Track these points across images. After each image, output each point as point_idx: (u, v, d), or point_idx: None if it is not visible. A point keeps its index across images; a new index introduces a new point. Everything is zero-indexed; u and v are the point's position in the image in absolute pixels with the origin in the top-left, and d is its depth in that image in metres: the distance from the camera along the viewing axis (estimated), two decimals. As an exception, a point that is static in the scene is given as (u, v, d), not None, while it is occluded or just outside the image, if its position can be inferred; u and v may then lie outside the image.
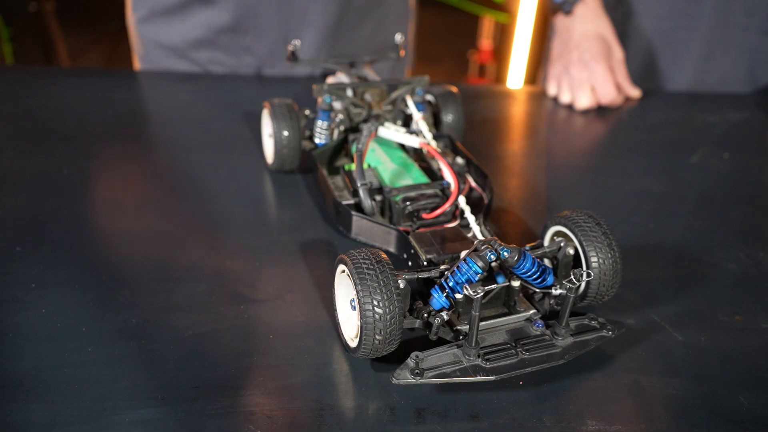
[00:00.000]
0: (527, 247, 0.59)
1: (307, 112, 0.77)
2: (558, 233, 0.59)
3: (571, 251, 0.57)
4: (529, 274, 0.53)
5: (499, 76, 2.43)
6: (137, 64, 1.08)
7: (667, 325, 0.59)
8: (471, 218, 0.62)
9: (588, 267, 0.56)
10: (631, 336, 0.57)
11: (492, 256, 0.51)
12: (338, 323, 0.55)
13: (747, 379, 0.54)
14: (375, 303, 0.48)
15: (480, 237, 0.61)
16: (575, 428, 0.49)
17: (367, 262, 0.50)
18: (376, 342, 0.49)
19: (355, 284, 0.49)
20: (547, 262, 0.58)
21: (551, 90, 1.04)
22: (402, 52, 0.87)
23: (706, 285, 0.65)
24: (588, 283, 0.56)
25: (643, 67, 1.14)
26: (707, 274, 0.66)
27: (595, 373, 0.54)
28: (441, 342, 0.52)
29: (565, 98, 1.01)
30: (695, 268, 0.67)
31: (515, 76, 2.19)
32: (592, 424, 0.49)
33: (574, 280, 0.51)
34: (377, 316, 0.48)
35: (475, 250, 0.53)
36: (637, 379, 0.53)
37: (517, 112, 1.05)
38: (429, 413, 0.49)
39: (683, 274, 0.66)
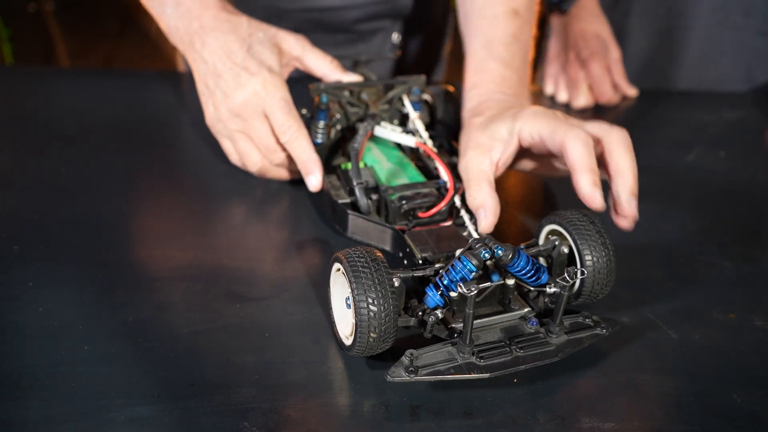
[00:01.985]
0: (522, 245, 0.59)
1: (304, 111, 0.78)
2: (553, 232, 0.60)
3: (566, 250, 0.57)
4: (523, 272, 0.53)
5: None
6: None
7: (662, 323, 0.59)
8: (466, 217, 0.63)
9: (582, 265, 0.56)
10: (625, 334, 0.58)
11: (486, 255, 0.52)
12: (333, 321, 0.55)
13: (741, 377, 0.54)
14: (370, 301, 0.49)
15: (475, 236, 0.61)
16: (569, 425, 0.49)
17: (362, 260, 0.50)
18: (371, 340, 0.49)
19: (350, 282, 0.49)
20: (541, 260, 0.58)
21: (548, 89, 1.04)
22: (398, 52, 0.87)
23: (701, 283, 0.65)
24: (582, 281, 0.56)
25: (640, 67, 1.15)
26: (702, 273, 0.67)
27: (589, 371, 0.54)
28: (436, 340, 0.52)
29: (562, 97, 1.01)
30: (690, 267, 0.67)
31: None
32: (586, 422, 0.49)
33: (567, 278, 0.51)
34: (372, 314, 0.49)
35: (470, 248, 0.53)
36: (631, 377, 0.54)
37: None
38: (423, 410, 0.49)
39: (678, 272, 0.66)
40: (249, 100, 0.70)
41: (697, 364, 0.55)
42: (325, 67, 0.78)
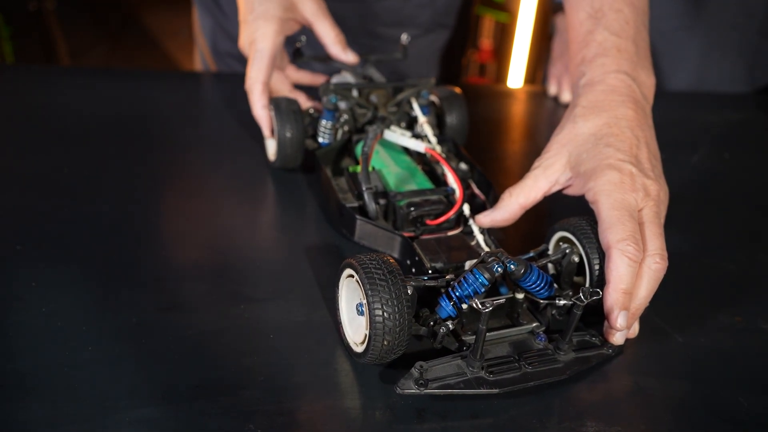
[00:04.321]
0: (531, 252, 0.59)
1: (312, 110, 0.77)
2: (563, 239, 0.59)
3: (576, 259, 0.57)
4: (534, 286, 0.53)
5: (500, 76, 2.44)
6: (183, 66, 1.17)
7: (667, 326, 0.59)
8: (475, 227, 0.62)
9: (591, 274, 0.56)
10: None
11: (499, 269, 0.52)
12: (342, 327, 0.54)
13: (747, 381, 0.54)
14: (386, 310, 0.48)
15: (483, 245, 0.61)
16: (575, 429, 0.49)
17: (379, 272, 0.49)
18: (384, 349, 0.49)
19: (366, 291, 0.49)
20: (550, 266, 0.58)
21: (551, 89, 1.04)
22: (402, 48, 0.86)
23: (706, 286, 0.65)
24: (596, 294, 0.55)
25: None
26: (707, 275, 0.66)
27: (595, 375, 0.54)
28: (444, 351, 0.52)
29: (565, 97, 1.01)
30: (695, 269, 0.67)
31: (515, 75, 2.19)
32: (592, 426, 0.49)
33: (582, 297, 0.51)
34: (387, 324, 0.48)
35: (482, 261, 0.53)
36: (637, 381, 0.53)
37: (518, 111, 1.05)
38: (429, 413, 0.49)
39: (683, 274, 0.65)
40: (243, 41, 0.79)
41: (703, 368, 0.55)
42: (329, 37, 0.81)
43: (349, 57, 0.82)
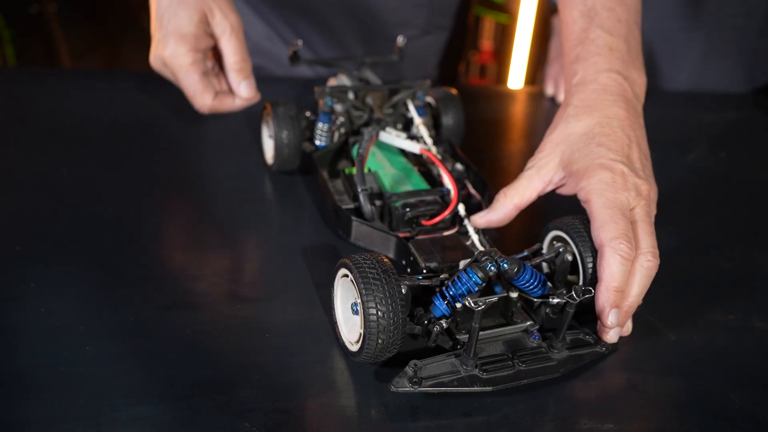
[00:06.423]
0: (525, 251, 0.59)
1: (308, 113, 0.78)
2: (557, 238, 0.60)
3: (570, 258, 0.57)
4: (527, 285, 0.53)
5: (500, 77, 2.44)
6: None
7: (661, 324, 0.59)
8: (470, 227, 0.63)
9: (585, 273, 0.56)
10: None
11: (492, 268, 0.52)
12: (337, 327, 0.55)
13: (739, 378, 0.54)
14: (380, 309, 0.49)
15: (478, 245, 0.61)
16: (568, 426, 0.49)
17: (373, 271, 0.50)
18: (379, 348, 0.50)
19: (360, 290, 0.49)
20: (544, 265, 0.59)
21: (549, 90, 1.04)
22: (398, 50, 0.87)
23: (700, 284, 0.65)
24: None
25: (641, 68, 1.14)
26: (701, 273, 0.67)
27: (589, 372, 0.54)
28: (438, 349, 0.53)
29: (562, 98, 1.01)
30: (689, 267, 0.67)
31: (516, 76, 2.20)
32: (585, 423, 0.49)
33: (574, 296, 0.51)
34: (381, 323, 0.49)
35: (476, 261, 0.53)
36: (630, 378, 0.54)
37: (515, 112, 1.05)
38: (423, 411, 0.50)
39: (677, 272, 0.66)
40: (153, 60, 0.77)
41: (696, 366, 0.56)
42: (229, 61, 0.78)
43: (242, 91, 0.78)
